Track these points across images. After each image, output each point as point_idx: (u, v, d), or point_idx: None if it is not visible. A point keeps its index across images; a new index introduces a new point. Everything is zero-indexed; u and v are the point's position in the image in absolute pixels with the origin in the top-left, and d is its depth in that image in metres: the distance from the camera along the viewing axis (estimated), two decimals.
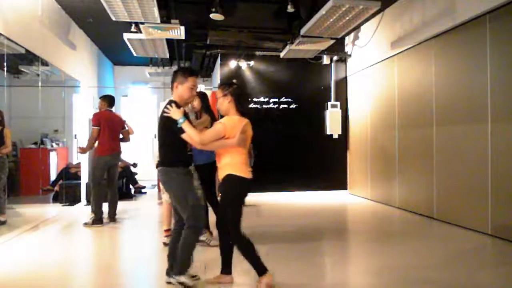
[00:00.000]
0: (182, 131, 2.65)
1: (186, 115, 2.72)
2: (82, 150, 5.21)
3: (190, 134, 2.63)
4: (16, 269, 3.39)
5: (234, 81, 2.94)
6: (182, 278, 2.72)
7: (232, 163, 2.73)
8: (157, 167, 2.86)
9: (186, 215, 2.74)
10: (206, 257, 3.58)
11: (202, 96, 4.09)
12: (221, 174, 2.78)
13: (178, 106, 2.73)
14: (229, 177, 2.73)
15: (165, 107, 2.73)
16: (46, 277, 3.21)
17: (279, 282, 2.82)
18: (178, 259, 2.75)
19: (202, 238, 3.87)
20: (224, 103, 2.80)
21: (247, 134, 2.77)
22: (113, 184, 5.32)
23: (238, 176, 2.72)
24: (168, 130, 2.74)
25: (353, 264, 3.75)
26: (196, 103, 4.02)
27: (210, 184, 3.99)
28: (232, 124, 2.70)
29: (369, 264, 3.66)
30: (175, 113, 2.66)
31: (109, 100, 5.35)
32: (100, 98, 5.44)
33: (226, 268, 2.88)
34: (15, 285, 3.01)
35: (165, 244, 3.88)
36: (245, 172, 2.75)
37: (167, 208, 4.01)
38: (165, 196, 3.97)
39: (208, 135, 2.67)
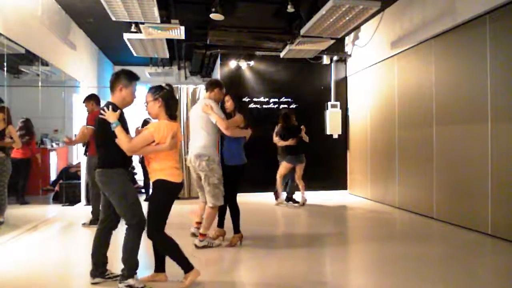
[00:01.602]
0: (115, 135, 2.66)
1: (121, 119, 2.72)
2: (69, 141, 5.09)
3: (120, 140, 2.65)
4: (16, 269, 3.39)
5: (164, 84, 2.93)
6: (131, 281, 2.70)
7: (162, 168, 2.77)
8: (94, 169, 2.83)
9: (128, 215, 2.74)
10: (207, 256, 3.59)
11: (235, 97, 4.11)
12: (152, 178, 2.82)
13: (115, 109, 2.73)
14: (158, 182, 2.78)
15: (101, 109, 2.73)
16: (46, 277, 3.22)
17: (277, 282, 2.82)
18: (124, 262, 2.74)
19: (203, 243, 3.88)
20: (155, 107, 2.82)
21: (177, 138, 2.80)
22: None
23: (167, 181, 2.76)
24: (104, 133, 2.73)
25: (353, 264, 3.75)
26: (229, 104, 4.03)
27: (235, 184, 3.99)
28: (160, 129, 2.72)
29: (369, 264, 3.66)
30: (110, 116, 2.67)
31: (96, 100, 5.25)
32: (85, 100, 5.26)
33: (159, 267, 2.95)
34: (15, 285, 3.01)
35: (193, 234, 4.16)
36: (174, 176, 2.79)
37: (212, 213, 3.93)
38: (213, 201, 3.85)
39: (136, 142, 2.69)
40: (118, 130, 2.65)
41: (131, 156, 2.88)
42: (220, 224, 4.15)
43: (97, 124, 2.80)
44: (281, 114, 6.63)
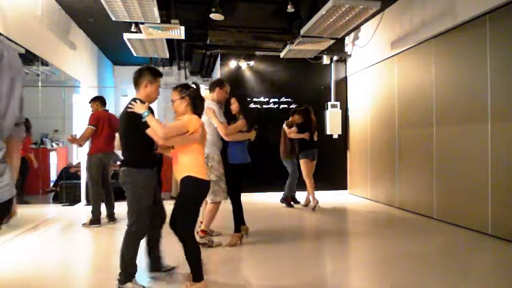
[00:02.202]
0: (147, 125, 2.62)
1: (150, 110, 2.70)
2: (72, 140, 5.10)
3: (154, 127, 2.60)
4: (16, 269, 3.39)
5: (191, 83, 2.92)
6: (129, 285, 2.69)
7: (194, 164, 2.71)
8: (120, 167, 2.82)
9: (131, 219, 2.74)
10: (208, 255, 3.58)
11: (241, 98, 4.10)
12: (179, 174, 2.72)
13: (142, 103, 2.73)
14: (188, 179, 2.69)
15: (129, 103, 2.71)
16: (46, 277, 3.22)
17: (276, 281, 2.82)
18: (121, 267, 2.73)
19: (203, 240, 3.88)
20: (182, 106, 2.79)
21: (205, 131, 2.79)
22: (107, 184, 5.30)
23: (198, 178, 2.69)
24: (133, 129, 2.71)
25: (353, 264, 3.75)
26: (235, 107, 4.04)
27: (239, 183, 4.01)
28: (192, 121, 2.70)
29: (369, 263, 3.66)
30: (140, 108, 2.64)
31: (102, 101, 5.34)
32: (91, 101, 5.38)
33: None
34: (15, 285, 3.01)
35: (203, 244, 3.92)
36: (204, 174, 2.75)
37: (212, 209, 3.95)
38: (212, 197, 3.87)
39: (171, 129, 2.63)
40: (149, 118, 2.61)
41: (156, 156, 2.87)
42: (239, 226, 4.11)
43: (124, 121, 2.77)
44: (300, 108, 6.45)
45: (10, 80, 1.39)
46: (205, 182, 2.74)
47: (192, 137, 2.67)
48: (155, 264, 3.05)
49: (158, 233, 3.05)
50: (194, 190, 2.70)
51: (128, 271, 2.72)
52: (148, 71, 2.86)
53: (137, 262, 2.80)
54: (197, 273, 2.66)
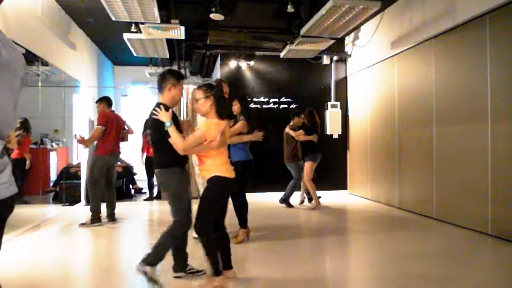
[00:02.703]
0: (168, 135, 2.66)
1: (174, 119, 2.74)
2: (82, 140, 5.05)
3: (174, 140, 2.65)
4: (17, 268, 3.39)
5: (214, 83, 2.92)
6: (147, 268, 2.71)
7: (217, 164, 2.77)
8: (153, 169, 2.88)
9: (175, 216, 2.79)
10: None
11: (242, 99, 4.10)
12: (206, 175, 2.80)
13: (167, 108, 2.75)
14: (214, 178, 2.76)
15: (154, 109, 2.74)
16: (46, 277, 3.21)
17: (276, 279, 2.81)
18: (153, 252, 2.75)
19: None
20: (206, 105, 2.79)
21: (225, 136, 2.79)
22: (112, 185, 5.31)
23: (223, 177, 2.76)
24: (161, 134, 2.74)
25: (352, 265, 3.75)
26: (236, 108, 4.03)
27: (243, 179, 3.99)
28: (211, 128, 2.70)
29: (368, 265, 3.66)
30: (164, 116, 2.68)
31: (108, 101, 5.36)
32: (97, 101, 5.41)
33: (227, 264, 2.94)
34: (15, 285, 3.01)
35: (195, 238, 4.00)
36: (229, 172, 2.80)
37: None
38: None
39: (190, 142, 2.68)
40: (171, 130, 2.65)
41: (185, 155, 2.89)
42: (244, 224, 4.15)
43: (151, 124, 2.81)
44: (305, 110, 6.45)
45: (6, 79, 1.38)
46: (229, 179, 2.79)
47: (210, 146, 2.71)
48: (180, 265, 3.05)
49: (184, 233, 3.05)
50: (218, 186, 2.77)
51: (155, 258, 2.75)
52: (170, 74, 2.89)
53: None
54: (214, 267, 2.71)
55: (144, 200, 7.44)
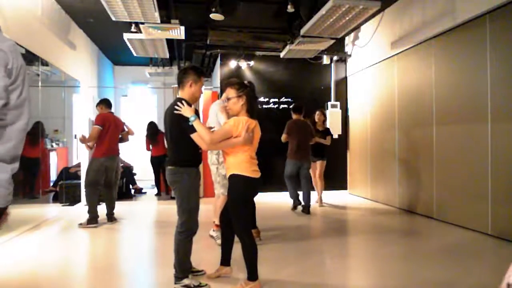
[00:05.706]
0: (193, 129, 2.61)
1: (197, 114, 2.70)
2: (83, 139, 5.12)
3: (201, 133, 2.60)
4: (16, 269, 3.39)
5: (246, 82, 2.92)
6: (186, 281, 2.74)
7: (237, 162, 2.72)
8: (166, 166, 2.83)
9: (183, 219, 2.75)
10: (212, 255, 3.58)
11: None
12: (227, 173, 2.79)
13: (189, 104, 2.72)
14: (233, 177, 2.74)
15: (175, 104, 2.68)
16: (46, 277, 3.22)
17: (278, 279, 2.81)
18: (177, 264, 2.75)
19: (212, 233, 4.01)
20: (238, 104, 2.77)
21: (254, 134, 2.76)
22: (111, 186, 5.27)
23: (242, 175, 2.70)
24: (180, 130, 2.70)
25: (352, 264, 3.75)
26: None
27: None
28: (239, 124, 2.68)
29: (368, 265, 3.66)
30: (187, 111, 2.63)
31: (106, 103, 5.35)
32: (97, 105, 5.42)
33: (226, 261, 2.98)
34: (15, 285, 3.01)
35: (211, 236, 4.14)
36: (249, 171, 2.72)
37: (223, 201, 3.97)
38: (222, 190, 3.98)
39: (217, 135, 2.64)
40: (196, 123, 2.60)
41: (201, 154, 2.87)
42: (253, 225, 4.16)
43: (170, 121, 2.75)
44: (319, 110, 6.64)
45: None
46: (250, 179, 2.72)
47: (233, 142, 2.67)
48: None
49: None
50: (239, 188, 2.73)
51: (182, 267, 2.76)
52: (192, 71, 2.85)
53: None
54: (252, 271, 2.70)
55: (155, 195, 7.81)
